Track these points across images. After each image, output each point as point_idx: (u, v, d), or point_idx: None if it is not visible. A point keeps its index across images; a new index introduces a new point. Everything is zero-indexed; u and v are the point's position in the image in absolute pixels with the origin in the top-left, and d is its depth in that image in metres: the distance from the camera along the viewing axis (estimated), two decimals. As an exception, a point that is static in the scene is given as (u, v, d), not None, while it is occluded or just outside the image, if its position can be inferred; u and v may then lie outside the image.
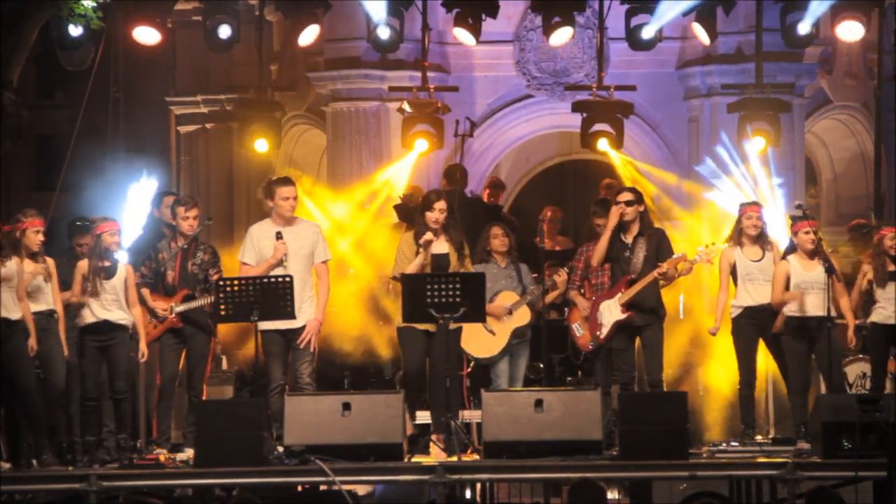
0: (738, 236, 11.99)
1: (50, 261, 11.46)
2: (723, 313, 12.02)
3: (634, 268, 11.81)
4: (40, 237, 11.36)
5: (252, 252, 11.59)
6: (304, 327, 11.45)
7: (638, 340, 11.98)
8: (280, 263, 11.46)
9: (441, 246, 11.59)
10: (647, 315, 11.84)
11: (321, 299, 11.59)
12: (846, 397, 11.03)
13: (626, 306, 11.82)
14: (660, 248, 11.85)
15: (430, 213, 11.53)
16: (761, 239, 11.98)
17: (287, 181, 11.79)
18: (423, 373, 11.53)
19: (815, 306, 11.64)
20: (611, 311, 11.89)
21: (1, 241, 11.30)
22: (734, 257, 11.94)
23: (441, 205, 11.54)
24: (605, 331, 11.97)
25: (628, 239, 11.88)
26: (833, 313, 11.62)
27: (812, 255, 11.71)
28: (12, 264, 11.20)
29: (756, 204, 12.27)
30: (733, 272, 11.94)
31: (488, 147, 17.78)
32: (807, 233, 11.74)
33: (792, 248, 11.94)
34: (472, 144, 16.39)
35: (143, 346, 11.68)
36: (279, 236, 11.47)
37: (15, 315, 11.17)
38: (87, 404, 11.71)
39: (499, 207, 15.55)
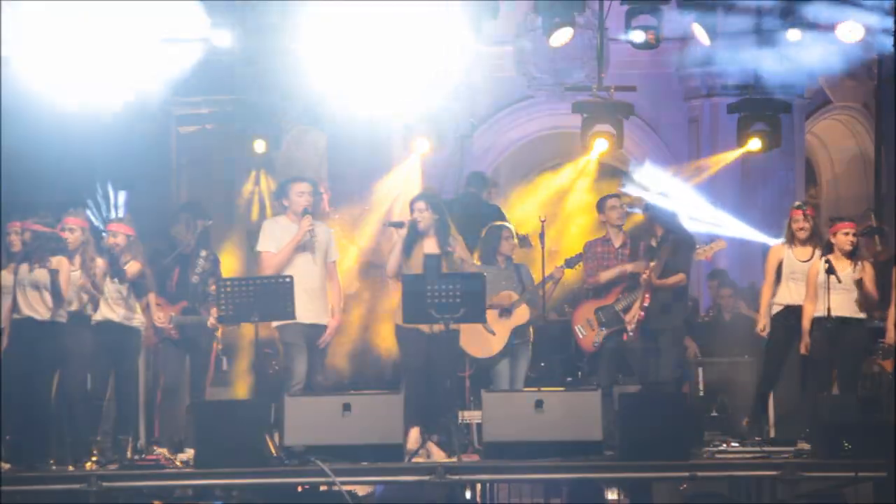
0: (790, 237, 11.97)
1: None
2: (766, 310, 11.98)
3: (656, 274, 11.85)
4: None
5: (272, 241, 11.60)
6: (324, 327, 11.50)
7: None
8: (306, 242, 11.46)
9: (431, 247, 11.64)
10: (665, 318, 11.84)
11: (335, 300, 11.63)
12: (846, 397, 11.03)
13: (641, 308, 11.87)
14: (674, 259, 11.84)
15: (412, 215, 11.66)
16: (812, 240, 11.93)
17: (301, 178, 11.87)
18: (424, 374, 11.53)
19: (841, 307, 11.60)
20: (636, 313, 11.95)
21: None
22: (783, 255, 11.93)
23: (420, 205, 11.64)
24: (631, 332, 12.03)
25: (654, 243, 11.93)
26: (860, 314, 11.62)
27: (850, 255, 11.67)
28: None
29: (803, 206, 12.09)
30: (779, 270, 11.91)
31: (488, 148, 17.78)
32: (846, 234, 11.69)
33: (829, 249, 11.83)
34: (472, 145, 16.39)
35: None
36: (306, 212, 11.51)
37: (39, 315, 11.25)
38: (94, 403, 11.72)
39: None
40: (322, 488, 10.75)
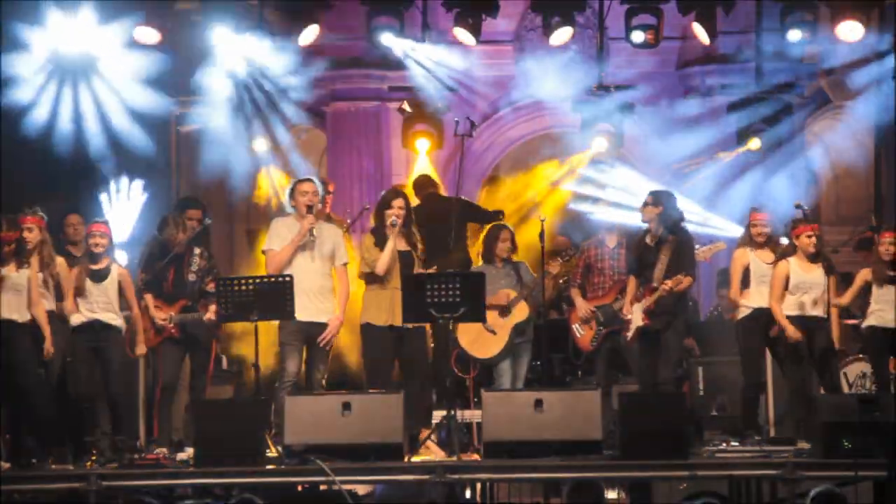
0: (749, 240, 12.00)
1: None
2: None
3: (658, 276, 11.82)
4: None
5: (277, 240, 11.62)
6: (325, 325, 11.50)
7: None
8: (307, 242, 11.47)
9: (402, 245, 11.73)
10: (666, 320, 11.86)
11: (341, 301, 11.64)
12: (846, 397, 11.03)
13: (647, 313, 11.87)
14: (679, 260, 11.83)
15: (389, 211, 11.70)
16: (771, 243, 11.97)
17: (307, 179, 11.90)
18: (389, 372, 11.58)
19: (813, 307, 11.63)
20: (636, 316, 11.93)
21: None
22: (748, 259, 11.95)
23: (399, 202, 11.73)
24: (630, 335, 12.02)
25: (652, 243, 11.93)
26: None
27: (814, 258, 11.70)
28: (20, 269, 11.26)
29: (761, 209, 12.18)
30: (746, 274, 11.93)
31: (488, 147, 17.77)
32: (809, 236, 11.72)
33: (792, 250, 11.87)
34: (472, 144, 16.38)
35: (140, 340, 11.73)
36: (310, 210, 11.53)
37: (20, 317, 11.19)
38: (88, 403, 11.71)
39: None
40: (322, 488, 10.75)
